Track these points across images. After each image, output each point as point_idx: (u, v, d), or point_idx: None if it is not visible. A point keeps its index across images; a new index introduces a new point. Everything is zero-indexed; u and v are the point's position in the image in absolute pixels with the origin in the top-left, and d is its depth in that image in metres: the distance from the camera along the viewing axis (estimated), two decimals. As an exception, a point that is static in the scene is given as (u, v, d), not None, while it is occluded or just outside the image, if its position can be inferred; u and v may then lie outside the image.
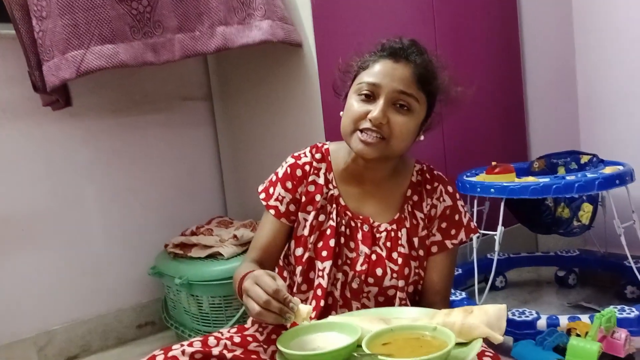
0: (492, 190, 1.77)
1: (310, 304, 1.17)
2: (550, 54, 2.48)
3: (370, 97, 1.11)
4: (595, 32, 2.29)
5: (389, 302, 1.17)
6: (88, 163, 2.02)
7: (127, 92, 2.10)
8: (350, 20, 1.89)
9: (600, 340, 1.42)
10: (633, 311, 1.58)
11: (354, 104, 1.12)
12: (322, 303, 1.15)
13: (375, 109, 1.09)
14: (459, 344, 0.89)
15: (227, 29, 1.75)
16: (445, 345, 0.85)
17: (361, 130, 1.10)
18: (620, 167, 1.78)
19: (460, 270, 2.06)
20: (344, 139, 1.16)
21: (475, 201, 1.90)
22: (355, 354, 0.88)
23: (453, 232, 1.21)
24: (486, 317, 0.90)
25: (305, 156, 1.23)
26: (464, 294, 1.86)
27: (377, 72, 1.12)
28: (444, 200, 1.22)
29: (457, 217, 1.22)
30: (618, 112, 2.24)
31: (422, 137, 1.18)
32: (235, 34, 1.76)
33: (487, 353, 1.04)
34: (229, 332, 1.13)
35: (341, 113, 1.17)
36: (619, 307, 1.60)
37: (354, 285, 1.17)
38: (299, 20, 1.85)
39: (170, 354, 1.02)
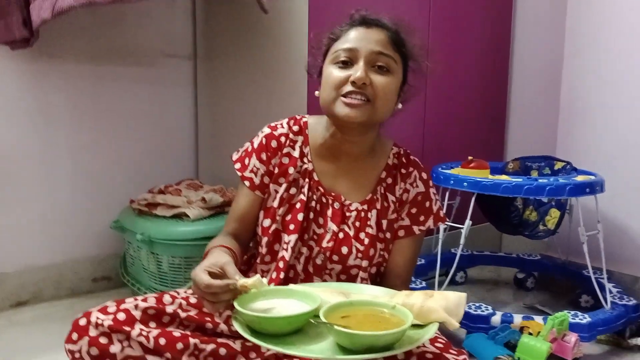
0: (465, 184, 1.78)
1: (272, 275, 1.16)
2: (538, 58, 2.50)
3: (348, 63, 1.10)
4: (586, 41, 2.30)
5: (351, 281, 1.17)
6: (60, 107, 1.96)
7: (109, 40, 2.04)
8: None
9: (551, 341, 1.45)
10: (585, 317, 1.61)
11: (332, 72, 1.11)
12: (282, 275, 1.14)
13: (357, 71, 1.08)
14: (415, 326, 0.90)
15: None
16: (403, 323, 0.85)
17: (344, 95, 1.09)
18: (592, 177, 1.80)
19: (423, 261, 2.08)
20: (325, 110, 1.14)
21: (447, 194, 1.91)
22: (312, 320, 0.88)
23: (422, 218, 1.21)
24: (445, 302, 0.90)
25: (282, 127, 1.21)
26: (424, 284, 1.87)
27: (352, 38, 1.12)
28: (417, 186, 1.21)
29: (427, 204, 1.22)
30: (597, 123, 2.27)
31: (399, 106, 1.17)
32: None
33: (439, 340, 1.05)
34: (185, 292, 1.12)
35: (317, 93, 1.16)
36: (572, 312, 1.63)
37: (318, 261, 1.16)
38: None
39: (122, 306, 1.01)
